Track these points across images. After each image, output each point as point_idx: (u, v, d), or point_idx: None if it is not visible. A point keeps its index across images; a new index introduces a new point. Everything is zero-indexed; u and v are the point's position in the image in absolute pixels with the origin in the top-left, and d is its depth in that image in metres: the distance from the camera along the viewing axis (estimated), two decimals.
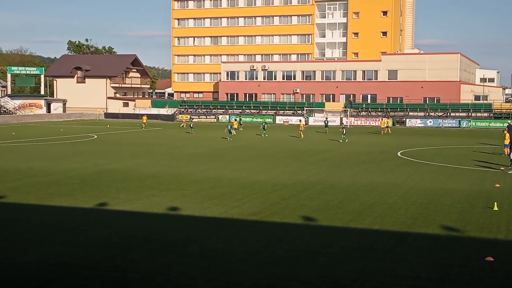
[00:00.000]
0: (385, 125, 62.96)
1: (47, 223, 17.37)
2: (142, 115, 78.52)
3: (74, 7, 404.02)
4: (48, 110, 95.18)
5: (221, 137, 52.08)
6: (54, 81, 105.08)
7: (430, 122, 75.69)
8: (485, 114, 76.47)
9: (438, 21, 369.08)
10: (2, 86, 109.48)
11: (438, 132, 64.01)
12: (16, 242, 15.15)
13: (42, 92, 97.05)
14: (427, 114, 78.69)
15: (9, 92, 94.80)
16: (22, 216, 18.50)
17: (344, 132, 50.50)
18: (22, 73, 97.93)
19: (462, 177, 27.26)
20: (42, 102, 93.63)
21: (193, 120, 66.03)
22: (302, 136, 53.73)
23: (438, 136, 57.68)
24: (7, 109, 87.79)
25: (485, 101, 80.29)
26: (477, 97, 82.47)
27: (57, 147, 42.47)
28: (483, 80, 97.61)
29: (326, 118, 67.60)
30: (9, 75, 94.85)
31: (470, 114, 77.01)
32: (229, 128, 52.00)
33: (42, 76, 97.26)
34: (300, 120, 62.63)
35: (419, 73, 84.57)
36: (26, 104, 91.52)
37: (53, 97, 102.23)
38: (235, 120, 64.99)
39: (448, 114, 77.98)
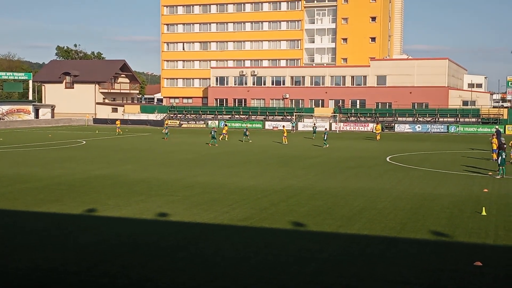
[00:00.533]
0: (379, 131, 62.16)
1: (36, 229, 17.26)
2: (117, 119, 76.29)
3: (62, 12, 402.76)
4: (37, 115, 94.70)
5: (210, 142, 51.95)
6: (43, 87, 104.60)
7: (419, 127, 76.04)
8: (473, 120, 76.95)
9: (426, 27, 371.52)
10: None
11: (427, 137, 64.33)
12: (5, 248, 15.05)
13: (30, 98, 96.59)
14: (416, 119, 79.08)
15: None
16: (11, 222, 18.38)
17: (325, 138, 50.22)
18: (10, 79, 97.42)
19: (450, 182, 27.40)
20: (30, 107, 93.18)
21: (182, 126, 65.73)
22: (286, 142, 53.40)
23: (427, 141, 57.97)
24: None
25: (473, 107, 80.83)
26: (465, 103, 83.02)
27: (45, 153, 42.25)
28: (471, 85, 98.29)
29: (314, 124, 67.36)
30: None
31: (458, 119, 77.46)
32: (212, 134, 51.06)
33: (30, 82, 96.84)
34: (283, 126, 62.80)
35: (407, 78, 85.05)
36: (14, 110, 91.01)
37: (42, 102, 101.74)
38: (226, 125, 63.81)
39: (437, 119, 78.41)
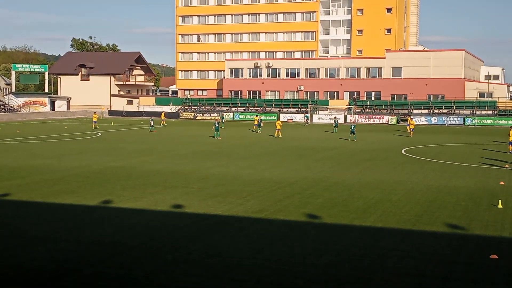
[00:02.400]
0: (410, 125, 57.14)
1: (51, 220, 17.42)
2: (160, 112, 77.43)
3: (77, 4, 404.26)
4: (52, 107, 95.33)
5: (224, 134, 51.95)
6: (58, 79, 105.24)
7: (435, 119, 75.55)
8: (490, 112, 76.31)
9: (442, 18, 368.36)
10: (7, 84, 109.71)
11: (443, 130, 63.88)
12: (21, 239, 15.20)
13: (46, 90, 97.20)
14: (432, 111, 78.57)
15: (13, 89, 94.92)
16: (27, 213, 18.55)
17: (353, 131, 47.42)
18: (26, 71, 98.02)
19: (466, 175, 27.21)
20: (46, 99, 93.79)
21: (197, 118, 65.47)
22: (280, 135, 50.99)
23: (443, 133, 57.56)
24: (11, 106, 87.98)
25: (489, 99, 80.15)
26: (481, 95, 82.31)
27: (61, 145, 42.56)
28: (487, 77, 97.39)
29: (336, 117, 63.99)
30: (13, 73, 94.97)
31: (474, 111, 76.85)
32: (216, 126, 49.06)
33: (46, 74, 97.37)
34: (278, 118, 61.84)
35: (423, 70, 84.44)
36: (31, 102, 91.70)
37: (57, 94, 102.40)
38: (222, 118, 63.08)
39: (453, 111, 77.82)
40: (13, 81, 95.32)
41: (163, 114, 73.97)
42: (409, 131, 54.78)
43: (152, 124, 57.55)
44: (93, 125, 61.20)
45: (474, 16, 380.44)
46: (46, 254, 13.73)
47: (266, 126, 61.27)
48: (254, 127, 58.11)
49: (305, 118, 75.48)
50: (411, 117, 62.97)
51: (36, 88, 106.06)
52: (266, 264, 13.02)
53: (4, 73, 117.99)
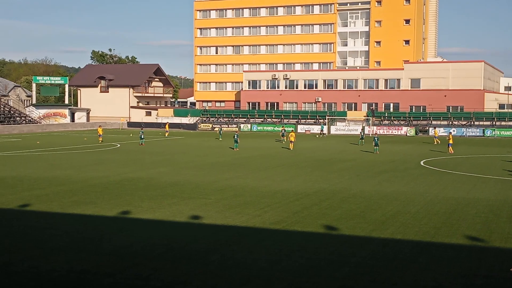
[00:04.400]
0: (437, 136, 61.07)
1: (71, 231, 17.54)
2: (165, 123, 79.76)
3: (98, 17, 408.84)
4: (72, 119, 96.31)
5: (241, 146, 52.03)
6: (78, 91, 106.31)
7: (454, 131, 74.93)
8: (510, 123, 75.54)
9: (461, 29, 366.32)
10: (27, 96, 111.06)
11: (462, 141, 63.36)
12: (41, 250, 15.31)
13: (66, 102, 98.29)
14: (451, 122, 78.02)
15: (34, 101, 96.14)
16: (47, 224, 18.70)
17: (376, 143, 46.53)
18: (47, 83, 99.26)
19: (486, 187, 26.94)
20: (66, 111, 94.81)
21: (215, 129, 66.03)
22: (292, 147, 50.30)
23: (462, 145, 57.10)
24: (32, 118, 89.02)
25: (509, 110, 79.40)
26: (501, 106, 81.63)
27: (80, 156, 42.91)
28: (507, 88, 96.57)
29: (362, 128, 62.74)
30: (34, 85, 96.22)
31: (494, 123, 76.18)
32: (235, 138, 49.60)
33: (67, 86, 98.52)
34: (292, 130, 63.01)
35: (442, 81, 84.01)
36: (51, 114, 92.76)
37: (77, 106, 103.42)
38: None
39: (472, 123, 77.23)
40: (34, 93, 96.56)
41: (167, 125, 75.58)
42: (448, 148, 47.09)
43: (143, 137, 55.43)
44: (100, 139, 58.48)
45: (493, 27, 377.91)
46: (65, 264, 13.82)
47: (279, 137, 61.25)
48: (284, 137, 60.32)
49: (321, 129, 75.28)
50: (451, 131, 60.14)
51: (56, 100, 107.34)
52: (283, 276, 12.98)
53: (25, 85, 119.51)
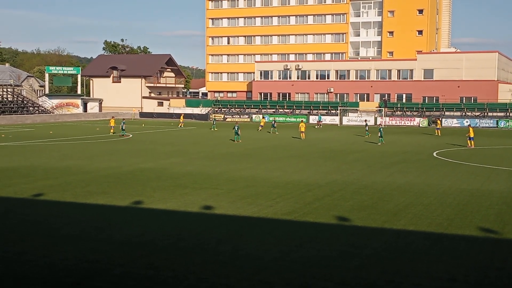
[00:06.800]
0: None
1: (83, 221, 17.62)
2: (179, 114, 79.92)
3: (110, 8, 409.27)
4: (85, 109, 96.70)
5: (253, 137, 51.99)
6: (91, 81, 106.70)
7: (467, 122, 74.38)
8: None
9: (475, 19, 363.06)
10: (40, 86, 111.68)
11: (475, 132, 62.68)
12: (54, 239, 15.41)
13: (79, 92, 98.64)
14: (464, 114, 77.47)
15: (47, 91, 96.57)
16: (60, 213, 18.80)
17: (381, 134, 46.19)
18: (59, 73, 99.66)
19: (500, 178, 26.74)
20: (79, 101, 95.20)
21: (227, 120, 66.07)
22: (303, 137, 50.63)
23: (475, 136, 56.55)
24: (45, 108, 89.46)
25: None
26: None
27: (93, 146, 43.09)
28: None
29: (366, 120, 62.40)
30: (47, 75, 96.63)
31: (508, 114, 75.53)
32: (235, 129, 48.34)
33: (79, 76, 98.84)
34: (302, 120, 60.24)
35: (455, 72, 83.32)
36: (64, 104, 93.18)
37: (90, 96, 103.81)
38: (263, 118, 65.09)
39: (486, 114, 76.63)
40: (46, 83, 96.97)
41: (182, 116, 75.66)
42: (468, 143, 45.24)
43: (124, 128, 54.64)
44: (111, 130, 57.25)
45: (508, 17, 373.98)
46: (77, 253, 13.88)
47: (291, 128, 61.04)
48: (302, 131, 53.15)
49: (318, 120, 75.26)
50: (470, 124, 57.20)
51: (69, 90, 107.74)
52: (295, 266, 12.96)
53: (38, 75, 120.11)
